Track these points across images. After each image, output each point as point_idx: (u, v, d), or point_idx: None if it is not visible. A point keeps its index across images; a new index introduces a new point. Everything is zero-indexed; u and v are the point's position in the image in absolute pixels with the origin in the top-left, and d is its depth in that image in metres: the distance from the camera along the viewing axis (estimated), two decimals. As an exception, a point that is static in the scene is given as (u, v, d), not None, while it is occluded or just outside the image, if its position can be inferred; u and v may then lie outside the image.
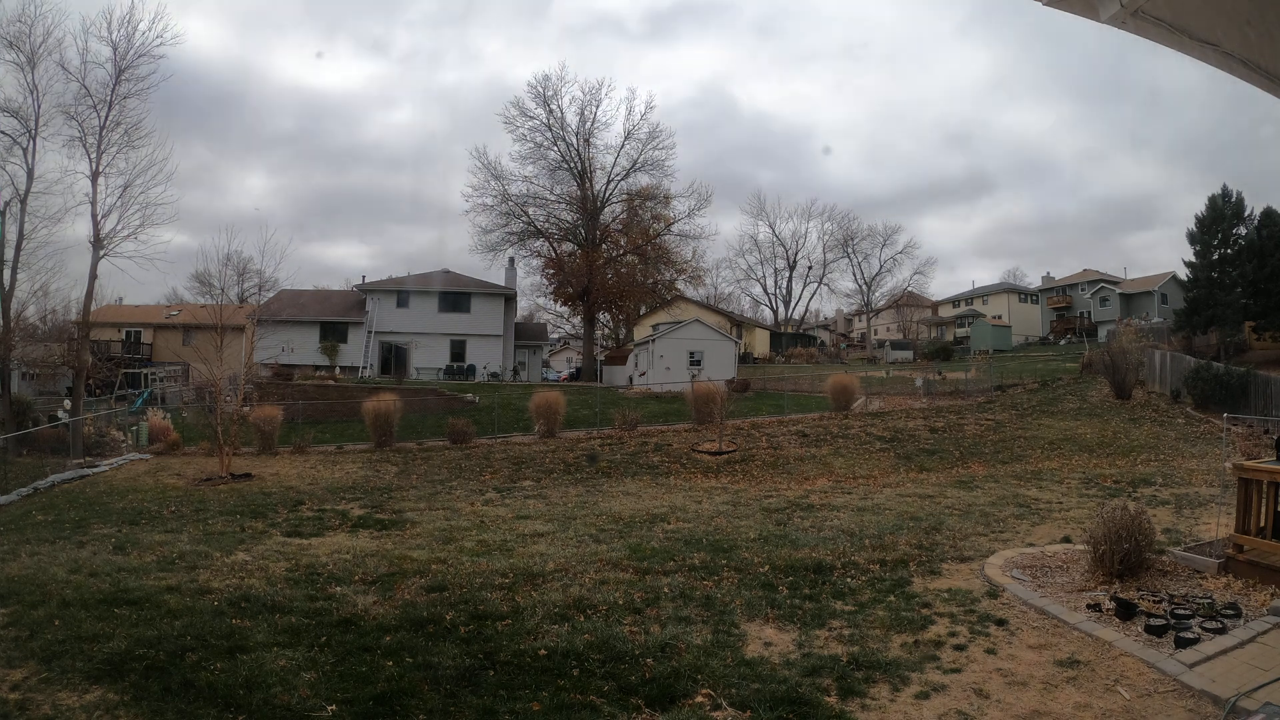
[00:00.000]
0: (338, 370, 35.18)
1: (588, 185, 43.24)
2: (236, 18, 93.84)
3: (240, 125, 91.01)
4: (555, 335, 60.43)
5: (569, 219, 44.14)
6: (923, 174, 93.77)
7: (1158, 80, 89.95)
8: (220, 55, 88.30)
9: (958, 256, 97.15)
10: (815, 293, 70.41)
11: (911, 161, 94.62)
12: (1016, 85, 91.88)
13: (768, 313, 69.44)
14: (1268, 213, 30.42)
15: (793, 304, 69.55)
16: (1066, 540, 8.52)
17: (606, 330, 54.80)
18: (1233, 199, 31.31)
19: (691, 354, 33.74)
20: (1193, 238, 32.02)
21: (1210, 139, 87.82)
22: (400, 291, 38.66)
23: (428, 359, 37.49)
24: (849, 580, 7.17)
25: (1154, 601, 6.00)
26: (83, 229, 23.31)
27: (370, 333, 37.37)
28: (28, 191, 21.69)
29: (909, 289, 67.45)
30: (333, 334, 37.62)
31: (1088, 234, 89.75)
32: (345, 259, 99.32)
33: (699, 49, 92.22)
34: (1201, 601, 5.88)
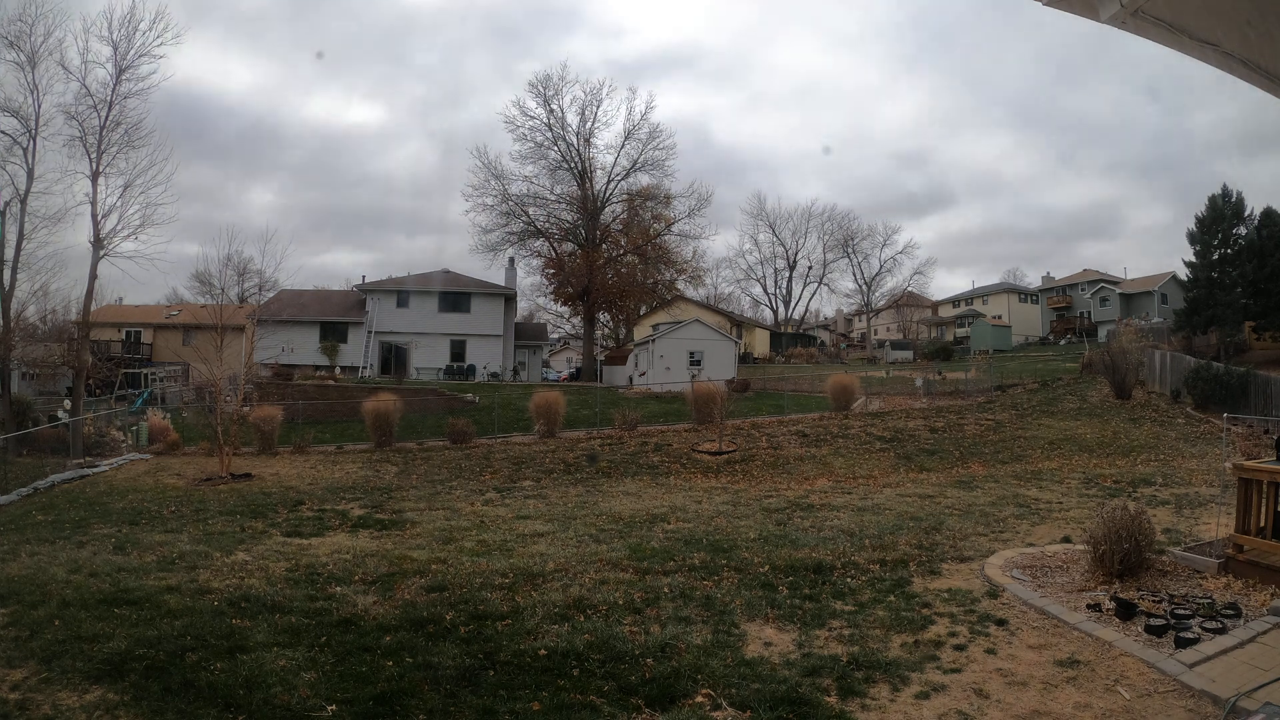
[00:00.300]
0: (338, 370, 35.18)
1: (588, 185, 43.25)
2: (274, 72, 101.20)
3: (260, 154, 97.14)
4: (555, 335, 60.43)
5: (569, 219, 44.15)
6: (879, 194, 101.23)
7: (1071, 111, 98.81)
8: (253, 97, 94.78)
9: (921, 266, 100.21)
10: (815, 293, 70.53)
11: (867, 184, 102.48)
12: (950, 118, 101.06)
13: (768, 313, 69.51)
14: (1268, 213, 30.41)
15: (793, 304, 69.65)
16: (1066, 540, 8.52)
17: (606, 330, 54.80)
18: (1233, 199, 31.31)
19: (691, 354, 33.74)
20: (1193, 238, 32.00)
21: (1135, 161, 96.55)
22: (400, 291, 38.66)
23: (428, 359, 37.49)
24: (849, 580, 7.17)
25: (1154, 601, 6.00)
26: (83, 229, 23.31)
27: (370, 333, 37.37)
28: (28, 191, 21.70)
29: (909, 289, 67.49)
30: (333, 334, 37.62)
31: (1046, 244, 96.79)
32: (346, 266, 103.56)
33: (662, 97, 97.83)
34: (1201, 601, 5.88)
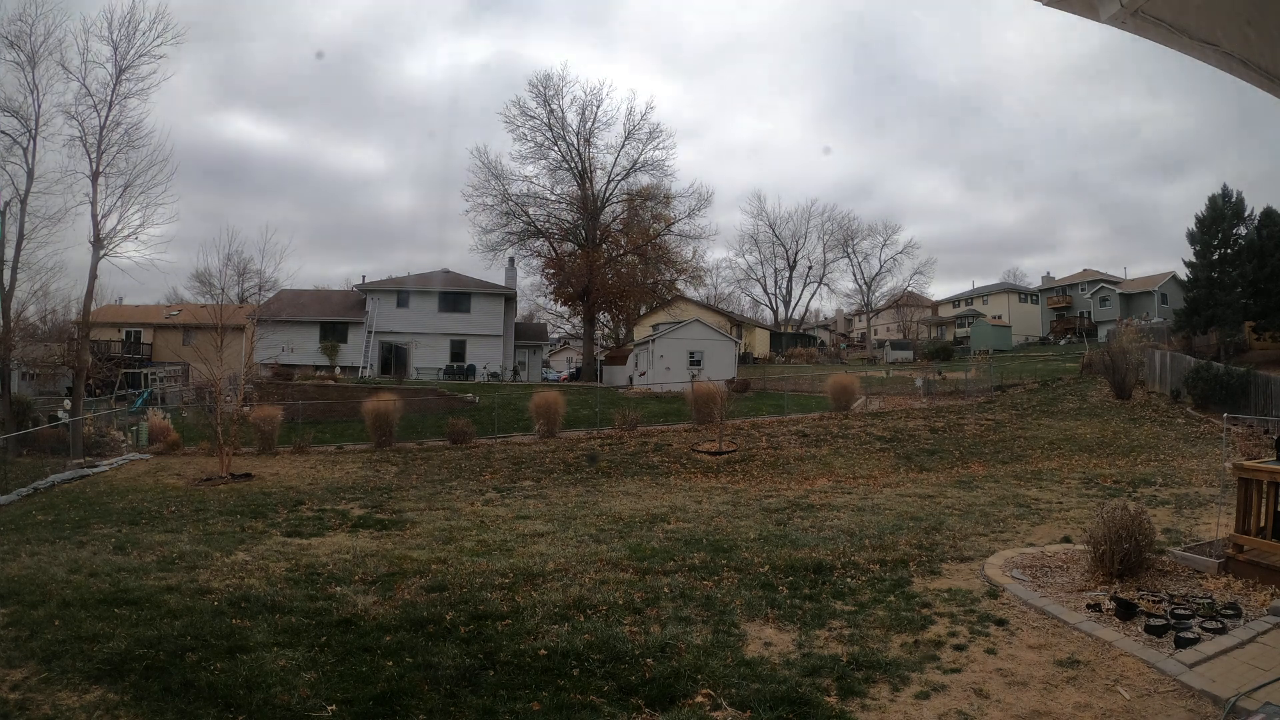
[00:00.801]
0: (338, 370, 35.18)
1: (588, 185, 43.24)
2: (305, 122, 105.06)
3: (275, 186, 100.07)
4: (555, 335, 60.41)
5: (569, 219, 44.15)
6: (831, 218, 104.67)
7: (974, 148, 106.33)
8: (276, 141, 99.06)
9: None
10: (815, 293, 70.52)
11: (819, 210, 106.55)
12: (881, 166, 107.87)
13: (768, 313, 69.50)
14: (1268, 213, 30.40)
15: (793, 304, 69.63)
16: (1066, 540, 8.52)
17: (606, 330, 54.79)
18: (1233, 199, 31.31)
19: (691, 354, 33.75)
20: (1192, 238, 31.99)
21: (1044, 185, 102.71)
22: (400, 291, 38.66)
23: (428, 359, 37.49)
24: (849, 580, 7.17)
25: (1154, 601, 6.00)
26: (83, 229, 23.27)
27: (370, 333, 37.37)
28: (28, 191, 21.69)
29: (909, 289, 67.48)
30: (333, 334, 37.62)
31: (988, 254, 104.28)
32: (345, 274, 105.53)
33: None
34: (1201, 601, 5.88)
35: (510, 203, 42.49)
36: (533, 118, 42.07)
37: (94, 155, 22.33)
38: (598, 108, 42.40)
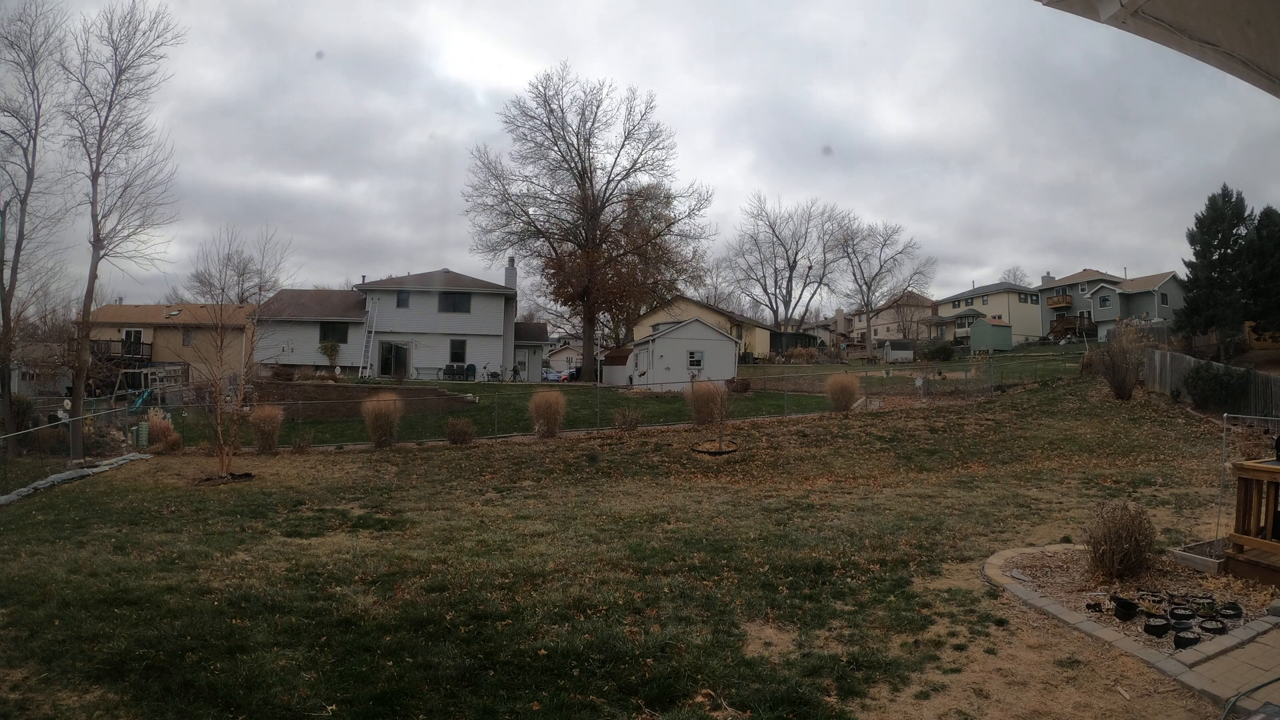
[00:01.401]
0: (338, 370, 35.18)
1: (588, 185, 43.26)
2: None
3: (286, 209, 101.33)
4: (555, 335, 60.44)
5: (569, 219, 44.18)
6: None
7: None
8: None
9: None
10: (815, 293, 70.63)
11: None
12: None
13: (768, 313, 69.52)
14: (1268, 213, 30.41)
15: (793, 304, 69.65)
16: (1066, 540, 8.52)
17: (606, 330, 54.81)
18: (1233, 199, 31.30)
19: (691, 354, 33.75)
20: (1193, 238, 31.98)
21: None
22: (400, 291, 38.67)
23: (428, 359, 37.50)
24: (849, 580, 7.17)
25: (1154, 601, 6.00)
26: (83, 229, 23.25)
27: (370, 333, 37.37)
28: (28, 191, 21.67)
29: (909, 289, 67.48)
30: (333, 334, 37.63)
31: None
32: (344, 282, 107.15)
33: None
34: (1201, 601, 5.88)
35: (510, 203, 42.59)
36: (533, 118, 42.17)
37: (94, 155, 22.32)
38: (598, 108, 42.53)
